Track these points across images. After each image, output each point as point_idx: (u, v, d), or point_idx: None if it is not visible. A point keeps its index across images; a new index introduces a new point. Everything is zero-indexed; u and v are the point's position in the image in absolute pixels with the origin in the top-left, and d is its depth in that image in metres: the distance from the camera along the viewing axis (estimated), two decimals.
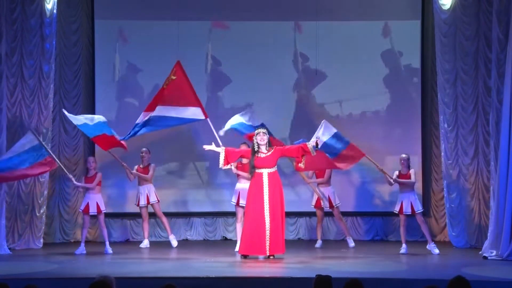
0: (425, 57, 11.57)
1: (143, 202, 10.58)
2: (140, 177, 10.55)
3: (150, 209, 10.70)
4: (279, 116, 11.39)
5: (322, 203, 10.48)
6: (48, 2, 10.54)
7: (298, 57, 11.66)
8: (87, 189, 10.00)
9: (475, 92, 10.40)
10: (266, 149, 9.22)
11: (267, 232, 9.01)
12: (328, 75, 11.53)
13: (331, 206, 10.49)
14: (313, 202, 10.61)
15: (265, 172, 9.16)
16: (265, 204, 9.06)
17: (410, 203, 9.76)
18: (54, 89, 10.84)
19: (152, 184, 10.61)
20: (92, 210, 9.90)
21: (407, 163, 9.88)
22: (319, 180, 10.52)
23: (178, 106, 10.11)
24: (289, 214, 11.50)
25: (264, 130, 9.30)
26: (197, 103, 10.13)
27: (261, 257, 9.17)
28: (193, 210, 11.55)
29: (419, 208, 9.84)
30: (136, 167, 10.55)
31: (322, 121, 9.71)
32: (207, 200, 11.60)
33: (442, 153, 10.69)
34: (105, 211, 10.05)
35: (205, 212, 11.63)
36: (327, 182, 10.53)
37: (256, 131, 9.32)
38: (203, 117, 10.09)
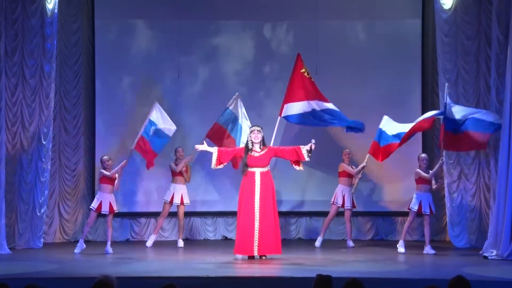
0: (426, 56, 11.58)
1: (177, 200, 10.58)
2: (177, 174, 10.57)
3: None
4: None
5: (346, 203, 10.47)
6: (49, 1, 10.54)
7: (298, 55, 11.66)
8: (100, 188, 9.98)
9: (477, 91, 10.41)
10: (260, 147, 9.15)
11: (256, 232, 8.94)
12: (328, 75, 11.52)
13: (353, 205, 10.52)
14: (339, 201, 10.52)
15: (257, 171, 9.09)
16: (255, 203, 8.99)
17: (429, 203, 9.77)
18: (55, 89, 10.84)
19: (185, 184, 10.68)
20: (105, 209, 9.91)
21: (427, 163, 9.90)
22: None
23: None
24: (289, 214, 11.55)
25: (259, 128, 9.20)
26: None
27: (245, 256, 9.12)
28: (194, 209, 11.54)
29: (434, 209, 9.87)
30: (172, 164, 10.57)
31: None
32: (207, 199, 11.60)
33: (443, 153, 10.68)
34: (117, 210, 10.06)
35: (205, 212, 11.63)
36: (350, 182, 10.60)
37: (251, 129, 9.23)
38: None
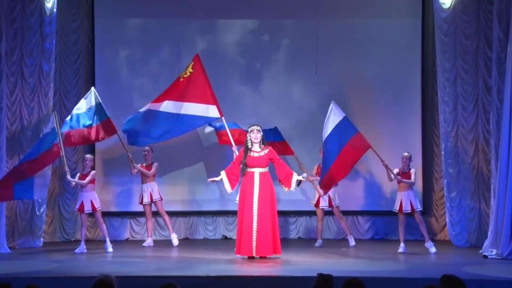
0: (425, 56, 11.57)
1: (146, 200, 10.61)
2: (142, 175, 10.60)
3: (154, 208, 10.74)
4: (279, 115, 11.39)
5: (321, 203, 10.48)
6: (48, 1, 10.55)
7: (298, 55, 11.66)
8: (80, 187, 10.00)
9: (475, 91, 10.42)
10: (259, 147, 9.13)
11: (254, 233, 8.92)
12: (328, 74, 11.52)
13: (330, 205, 10.49)
14: (314, 201, 10.61)
15: (256, 171, 9.06)
16: (254, 204, 8.97)
17: (410, 201, 9.77)
18: (54, 88, 10.85)
19: (155, 182, 10.66)
20: (87, 208, 9.91)
21: (408, 162, 9.89)
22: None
23: (190, 102, 10.20)
24: (289, 213, 11.56)
25: (258, 128, 9.19)
26: (212, 100, 10.14)
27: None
28: (193, 209, 11.55)
29: (418, 206, 9.85)
30: (138, 165, 10.58)
31: (331, 103, 9.65)
32: (207, 199, 11.59)
33: (442, 152, 10.70)
34: (100, 208, 10.05)
35: (205, 211, 11.62)
36: None
37: (250, 128, 9.19)
38: (218, 116, 10.12)
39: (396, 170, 9.86)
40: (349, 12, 11.66)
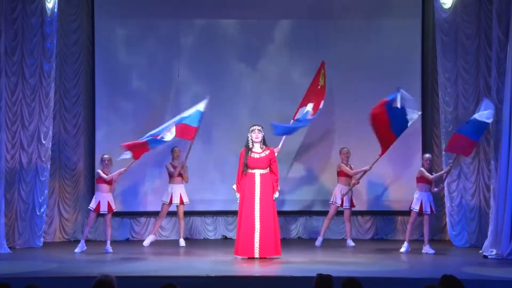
0: (426, 56, 11.57)
1: (176, 200, 10.58)
2: (182, 175, 10.59)
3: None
4: (279, 118, 11.37)
5: (345, 203, 10.49)
6: (49, 1, 10.54)
7: (298, 55, 11.65)
8: (97, 188, 9.99)
9: (476, 91, 10.43)
10: (260, 147, 9.12)
11: (256, 234, 8.93)
12: (328, 75, 11.50)
13: (352, 205, 10.55)
14: (338, 201, 10.52)
15: (257, 172, 9.06)
16: (255, 205, 8.97)
17: (429, 203, 9.76)
18: (54, 88, 10.84)
19: (183, 183, 10.68)
20: (103, 209, 9.90)
21: (431, 164, 9.94)
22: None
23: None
24: (289, 213, 11.55)
25: (260, 127, 9.17)
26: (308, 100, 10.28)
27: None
28: (193, 209, 11.54)
29: (434, 209, 9.86)
30: (167, 164, 10.60)
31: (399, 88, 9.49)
32: (207, 199, 11.59)
33: (443, 152, 10.70)
34: (115, 210, 10.06)
35: (205, 211, 11.62)
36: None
37: (251, 128, 9.16)
38: (311, 115, 10.12)
39: (423, 170, 9.75)
40: (349, 12, 11.65)
